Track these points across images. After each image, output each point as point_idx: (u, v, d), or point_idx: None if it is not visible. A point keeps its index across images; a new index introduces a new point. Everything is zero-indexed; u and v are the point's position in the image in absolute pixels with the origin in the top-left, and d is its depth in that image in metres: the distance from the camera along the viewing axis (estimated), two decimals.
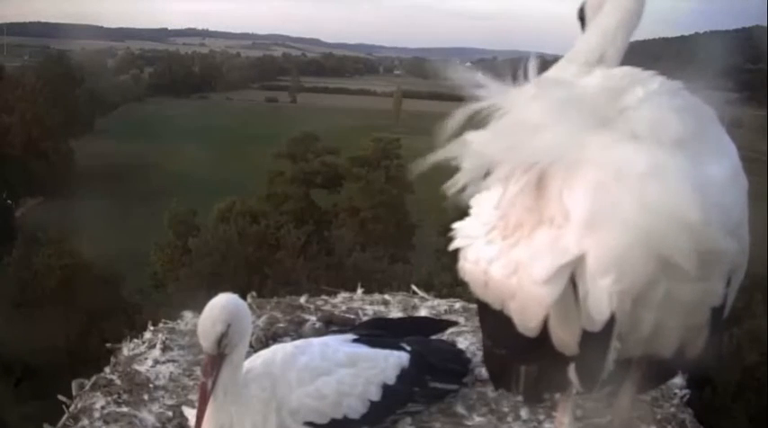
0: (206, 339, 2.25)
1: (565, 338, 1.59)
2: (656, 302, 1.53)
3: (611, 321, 1.51)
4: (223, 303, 2.29)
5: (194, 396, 2.73)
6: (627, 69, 1.70)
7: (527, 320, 1.63)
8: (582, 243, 1.50)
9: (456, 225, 1.91)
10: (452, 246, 1.87)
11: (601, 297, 1.49)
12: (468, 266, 1.79)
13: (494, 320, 1.73)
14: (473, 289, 1.81)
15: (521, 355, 1.73)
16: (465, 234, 1.85)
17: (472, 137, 1.67)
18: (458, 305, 3.80)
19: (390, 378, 2.54)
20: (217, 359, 2.26)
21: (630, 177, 1.48)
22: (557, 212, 1.57)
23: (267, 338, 3.26)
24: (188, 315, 3.51)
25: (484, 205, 1.82)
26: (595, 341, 1.54)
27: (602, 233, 1.48)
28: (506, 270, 1.65)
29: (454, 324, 3.30)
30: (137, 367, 3.05)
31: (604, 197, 1.49)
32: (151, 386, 2.91)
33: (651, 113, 1.54)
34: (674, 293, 1.53)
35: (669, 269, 1.49)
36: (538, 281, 1.55)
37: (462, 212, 1.92)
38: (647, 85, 1.61)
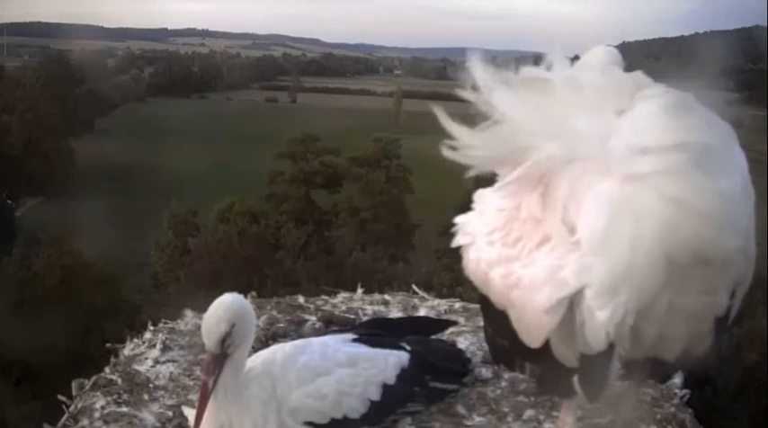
0: (209, 338, 2.25)
1: (565, 354, 1.60)
2: (659, 315, 1.52)
3: (610, 347, 1.52)
4: (228, 302, 2.29)
5: (194, 396, 2.73)
6: (635, 77, 1.65)
7: (527, 338, 1.64)
8: (584, 271, 1.49)
9: (458, 219, 1.88)
10: (454, 243, 1.86)
11: (598, 329, 1.49)
12: (471, 266, 1.79)
13: (496, 315, 1.73)
14: (475, 285, 1.81)
15: (523, 352, 1.72)
16: (467, 231, 1.83)
17: (468, 141, 1.65)
18: (458, 305, 3.79)
19: (390, 377, 2.54)
20: (219, 358, 2.26)
21: (644, 192, 1.46)
22: (557, 229, 1.55)
23: (267, 338, 3.25)
24: (189, 314, 3.51)
25: (487, 202, 1.80)
26: (595, 360, 1.55)
27: (613, 249, 1.46)
28: (507, 280, 1.65)
29: (454, 324, 3.29)
30: (137, 367, 3.05)
31: (617, 211, 1.47)
32: (151, 386, 2.91)
33: (664, 128, 1.51)
34: (678, 306, 1.52)
35: (675, 283, 1.48)
36: (539, 310, 1.55)
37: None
38: (658, 98, 1.57)
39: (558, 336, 1.57)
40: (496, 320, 1.74)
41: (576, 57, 1.95)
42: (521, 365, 1.82)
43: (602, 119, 1.57)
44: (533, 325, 1.59)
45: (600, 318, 1.47)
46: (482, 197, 1.83)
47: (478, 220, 1.81)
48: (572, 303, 1.52)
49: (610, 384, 1.61)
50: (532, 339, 1.62)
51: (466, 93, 1.66)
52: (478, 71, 1.66)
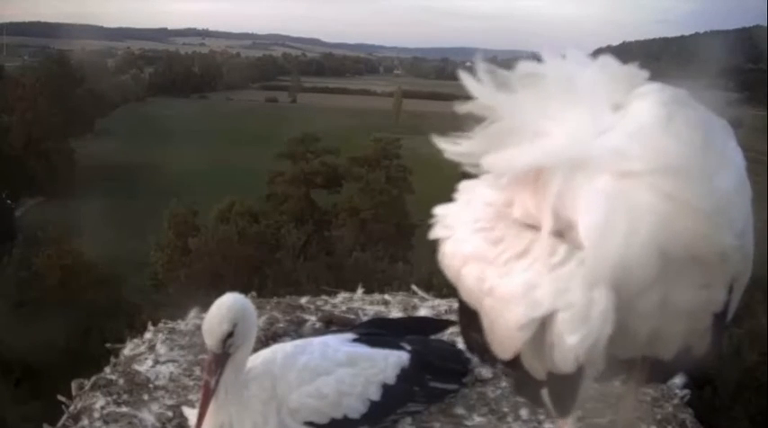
0: (212, 337, 2.25)
1: (536, 368, 1.59)
2: (654, 311, 1.51)
3: (580, 369, 1.50)
4: (231, 302, 2.30)
5: (194, 396, 2.73)
6: (630, 71, 1.63)
7: (497, 349, 1.63)
8: (559, 294, 1.48)
9: (438, 210, 1.82)
10: (431, 235, 1.79)
11: (567, 352, 1.48)
12: (446, 260, 1.75)
13: (469, 311, 1.71)
14: (449, 279, 1.77)
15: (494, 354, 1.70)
16: (446, 223, 1.78)
17: (463, 145, 1.62)
18: (457, 305, 3.79)
19: (390, 377, 2.54)
20: (221, 357, 2.26)
21: (639, 188, 1.46)
22: (543, 243, 1.53)
23: (267, 338, 3.25)
24: (191, 314, 3.51)
25: (474, 194, 1.76)
26: (564, 379, 1.54)
27: (608, 244, 1.45)
28: (481, 285, 1.62)
29: (454, 324, 3.29)
30: (137, 367, 3.05)
31: (612, 207, 1.46)
32: (151, 386, 2.91)
33: (659, 125, 1.50)
34: (673, 302, 1.51)
35: (670, 278, 1.47)
36: (511, 327, 1.53)
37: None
38: (651, 93, 1.56)
39: (529, 351, 1.56)
40: (470, 315, 1.72)
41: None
42: (492, 360, 1.79)
43: (597, 114, 1.56)
44: (505, 338, 1.58)
45: (569, 342, 1.46)
46: (468, 188, 1.77)
47: (461, 212, 1.76)
48: (543, 323, 1.50)
49: (577, 403, 1.59)
50: (503, 351, 1.60)
51: (464, 107, 1.64)
52: (469, 81, 1.63)
